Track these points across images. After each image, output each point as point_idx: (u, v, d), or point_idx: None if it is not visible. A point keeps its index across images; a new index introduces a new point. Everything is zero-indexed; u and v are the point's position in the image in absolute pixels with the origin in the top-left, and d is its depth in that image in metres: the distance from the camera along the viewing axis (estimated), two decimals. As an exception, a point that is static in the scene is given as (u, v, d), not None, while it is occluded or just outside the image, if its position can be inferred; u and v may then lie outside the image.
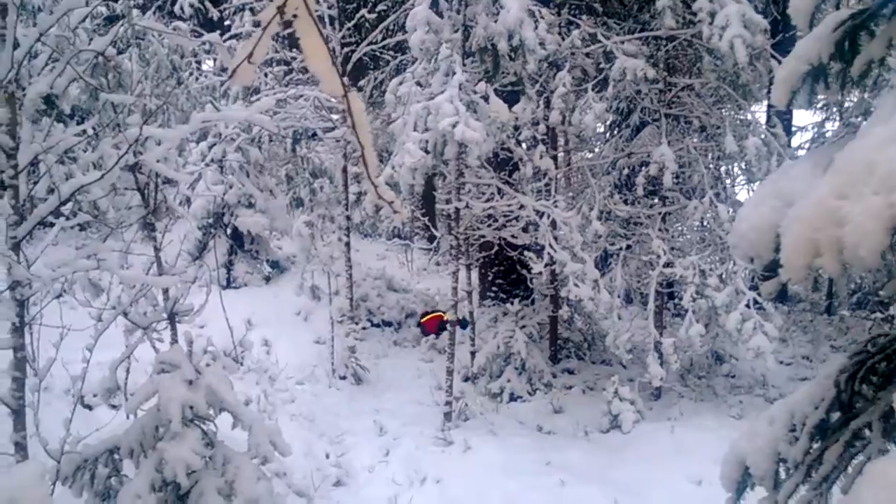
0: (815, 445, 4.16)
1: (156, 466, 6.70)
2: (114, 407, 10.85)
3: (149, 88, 7.13)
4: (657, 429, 11.79)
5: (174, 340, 7.62)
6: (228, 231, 17.05)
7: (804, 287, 18.16)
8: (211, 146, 16.80)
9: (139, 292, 7.38)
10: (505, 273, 15.99)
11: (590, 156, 15.35)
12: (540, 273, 11.95)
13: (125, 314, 7.33)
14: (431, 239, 23.53)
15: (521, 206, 11.51)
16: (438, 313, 16.21)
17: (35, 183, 6.73)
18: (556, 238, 11.60)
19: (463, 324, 14.49)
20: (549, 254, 11.28)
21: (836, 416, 4.19)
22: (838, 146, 3.76)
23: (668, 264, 12.12)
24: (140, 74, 7.48)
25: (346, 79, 14.82)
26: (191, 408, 6.78)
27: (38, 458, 7.28)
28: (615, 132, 14.66)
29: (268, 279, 17.42)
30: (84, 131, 7.15)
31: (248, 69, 2.16)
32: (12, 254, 5.80)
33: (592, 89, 12.14)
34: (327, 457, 11.03)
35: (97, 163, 6.97)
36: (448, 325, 12.22)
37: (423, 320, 16.43)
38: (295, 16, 2.12)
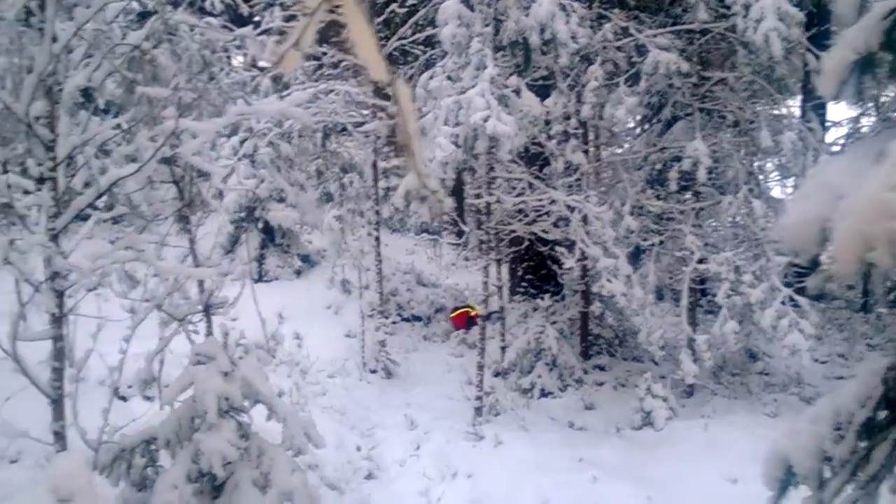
0: (862, 444, 4.09)
1: (192, 457, 6.71)
2: (148, 398, 10.88)
3: (183, 82, 7.11)
4: (690, 426, 11.70)
5: (209, 332, 7.63)
6: (260, 225, 17.06)
7: (839, 284, 18.01)
8: (242, 141, 16.85)
9: (175, 284, 7.40)
10: (534, 268, 15.93)
11: (620, 151, 15.22)
12: (571, 268, 11.87)
13: (159, 307, 7.35)
14: (460, 234, 23.45)
15: (553, 201, 11.45)
16: (467, 308, 16.16)
17: (72, 175, 6.74)
18: (587, 233, 11.53)
19: (489, 317, 14.21)
20: (580, 249, 11.23)
21: (883, 414, 4.12)
22: (884, 139, 3.69)
23: (701, 260, 12.01)
24: (175, 68, 7.47)
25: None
26: (226, 399, 6.79)
27: (76, 448, 7.34)
28: (647, 127, 14.56)
29: (298, 273, 17.43)
30: (119, 125, 7.17)
31: (294, 55, 2.12)
32: (53, 245, 5.81)
33: (624, 83, 12.06)
34: (358, 450, 11.03)
35: (133, 156, 6.99)
36: (478, 321, 12.19)
37: (452, 315, 16.40)
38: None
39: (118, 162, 7.06)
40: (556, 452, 11.10)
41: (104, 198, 7.11)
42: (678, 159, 12.74)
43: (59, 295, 6.30)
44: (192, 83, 9.12)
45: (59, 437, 6.58)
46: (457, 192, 23.17)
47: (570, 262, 11.35)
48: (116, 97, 9.02)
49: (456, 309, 16.42)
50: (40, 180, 6.16)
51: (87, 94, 6.95)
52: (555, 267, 14.79)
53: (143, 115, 6.73)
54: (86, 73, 6.75)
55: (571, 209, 11.43)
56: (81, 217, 7.66)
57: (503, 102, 10.41)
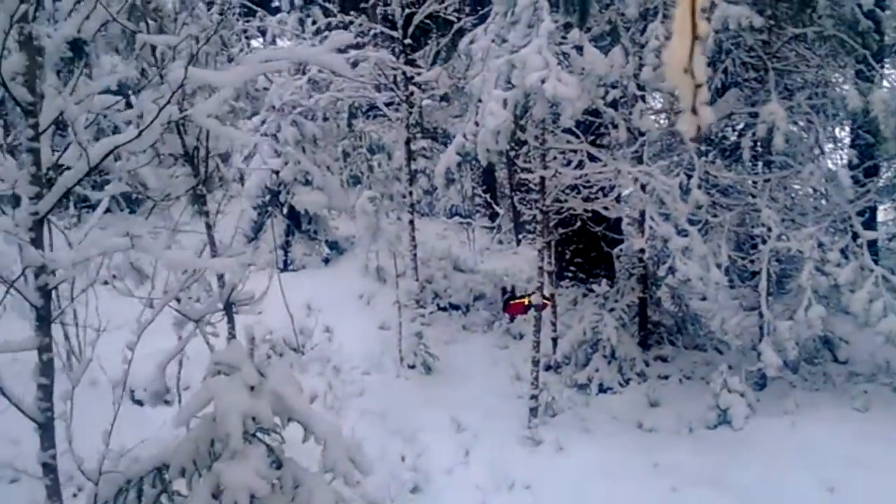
0: None
1: (212, 491, 5.40)
2: (167, 402, 9.65)
3: (195, 31, 5.73)
4: (773, 425, 10.33)
5: (232, 335, 6.32)
6: (285, 210, 15.75)
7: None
8: (264, 120, 15.55)
9: (190, 278, 6.07)
10: (584, 250, 14.49)
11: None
12: (624, 250, 10.40)
13: (171, 305, 6.05)
14: (493, 217, 22.09)
15: (618, 174, 10.03)
16: (524, 298, 14.67)
17: (64, 149, 5.38)
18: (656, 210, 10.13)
19: (544, 307, 13.01)
20: (650, 227, 9.83)
21: None
22: None
23: (781, 237, 10.59)
24: (185, 17, 6.09)
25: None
26: (253, 419, 5.46)
27: (72, 479, 6.06)
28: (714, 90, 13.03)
29: (327, 261, 16.12)
30: (120, 87, 5.86)
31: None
32: (21, 231, 4.47)
33: (690, 42, 10.62)
34: (403, 459, 9.75)
35: (137, 122, 5.61)
36: (534, 309, 10.82)
37: (509, 305, 14.90)
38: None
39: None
40: (627, 458, 9.77)
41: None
42: (749, 126, 11.35)
43: (46, 295, 4.99)
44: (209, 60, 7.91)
45: (49, 468, 5.29)
46: (488, 171, 21.83)
47: (639, 242, 9.93)
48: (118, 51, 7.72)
49: (511, 298, 14.90)
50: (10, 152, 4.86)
51: (76, 47, 5.61)
52: (608, 249, 13.37)
53: (148, 68, 5.43)
54: (75, 20, 5.39)
55: (640, 183, 10.02)
56: (86, 203, 6.38)
57: (563, 61, 9.03)
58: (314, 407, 10.31)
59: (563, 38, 9.31)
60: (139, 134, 4.87)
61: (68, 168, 5.14)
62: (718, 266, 10.41)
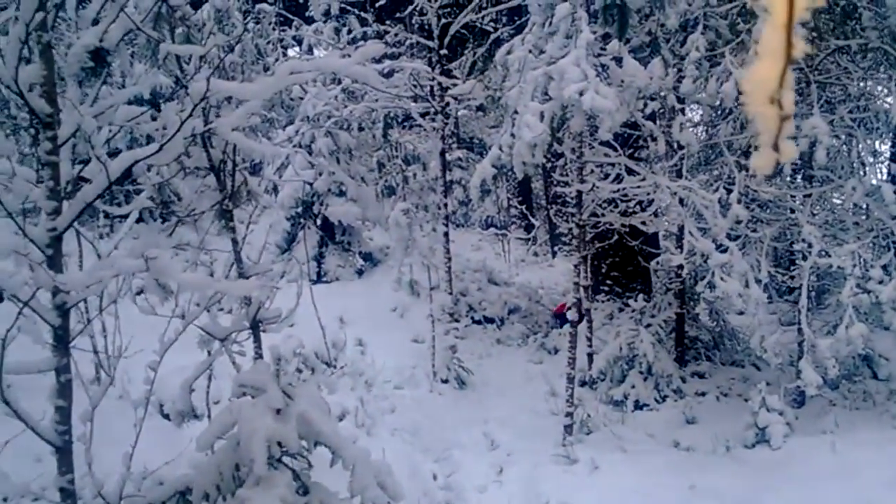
0: None
1: (236, 519, 5.13)
2: (197, 418, 9.40)
3: (222, 41, 5.45)
4: (813, 445, 9.89)
5: (258, 354, 6.04)
6: (318, 221, 15.51)
7: None
8: (298, 130, 15.34)
9: (214, 296, 5.80)
10: (620, 265, 14.12)
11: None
12: (662, 264, 10.02)
13: (197, 322, 5.78)
14: (528, 228, 21.77)
15: (657, 188, 9.66)
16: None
17: (85, 162, 5.13)
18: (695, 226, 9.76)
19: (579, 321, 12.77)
20: (689, 242, 9.47)
21: None
22: None
23: (822, 253, 10.18)
24: (212, 26, 5.81)
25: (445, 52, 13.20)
26: (279, 444, 5.17)
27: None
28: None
29: (360, 273, 15.86)
30: (142, 99, 5.62)
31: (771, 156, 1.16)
32: (36, 250, 4.22)
33: (730, 53, 10.24)
34: (434, 478, 9.42)
35: (162, 134, 5.35)
36: (569, 325, 10.46)
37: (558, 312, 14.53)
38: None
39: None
40: (663, 478, 9.38)
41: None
42: (790, 139, 10.94)
43: (64, 314, 4.73)
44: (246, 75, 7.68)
45: (67, 494, 5.02)
46: (524, 183, 21.52)
47: (678, 258, 9.56)
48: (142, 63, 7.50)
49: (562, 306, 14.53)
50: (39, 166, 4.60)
51: (98, 57, 5.36)
52: (645, 263, 13.01)
53: (169, 81, 5.17)
54: (97, 29, 5.14)
55: (678, 197, 9.65)
56: (115, 216, 6.16)
57: (602, 72, 8.71)
58: (345, 424, 10.05)
59: (602, 49, 8.99)
60: (160, 148, 4.60)
61: (89, 182, 4.90)
62: (758, 282, 10.02)
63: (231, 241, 5.94)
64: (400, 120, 18.26)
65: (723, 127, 11.79)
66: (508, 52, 10.03)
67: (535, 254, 21.18)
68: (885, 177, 12.65)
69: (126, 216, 6.23)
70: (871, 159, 12.74)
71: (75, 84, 5.16)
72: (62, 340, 4.79)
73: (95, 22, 5.25)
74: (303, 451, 5.41)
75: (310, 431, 5.34)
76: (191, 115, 4.61)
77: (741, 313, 12.28)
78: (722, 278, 9.38)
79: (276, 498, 5.00)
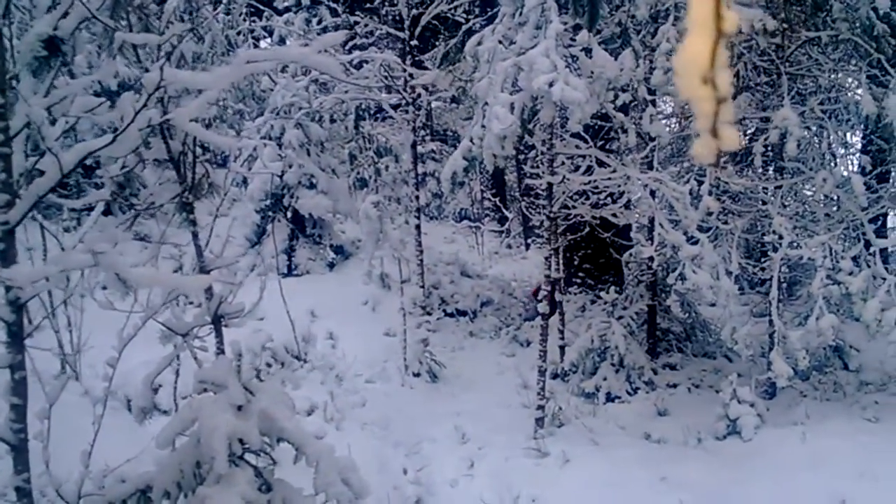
0: None
1: (196, 517, 5.03)
2: (166, 413, 9.31)
3: (180, 29, 5.30)
4: (784, 435, 9.87)
5: (220, 350, 5.93)
6: (289, 214, 15.35)
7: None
8: (267, 122, 15.19)
9: (173, 291, 5.69)
10: (592, 256, 14.06)
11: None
12: (651, 258, 9.95)
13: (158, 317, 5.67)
14: (502, 220, 21.72)
15: (628, 180, 9.60)
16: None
17: (42, 154, 5.00)
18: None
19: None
20: (659, 234, 9.42)
21: None
22: None
23: (793, 244, 10.17)
24: (171, 14, 5.67)
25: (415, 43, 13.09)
26: (240, 441, 5.07)
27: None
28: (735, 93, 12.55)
29: (332, 266, 15.69)
30: (109, 90, 5.50)
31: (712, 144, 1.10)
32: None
33: (701, 45, 10.19)
34: (405, 472, 9.35)
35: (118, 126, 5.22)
36: (540, 318, 10.40)
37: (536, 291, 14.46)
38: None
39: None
40: (634, 471, 9.34)
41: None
42: (760, 131, 10.94)
43: (18, 310, 4.61)
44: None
45: (23, 493, 4.90)
46: (497, 175, 21.46)
47: (648, 250, 9.49)
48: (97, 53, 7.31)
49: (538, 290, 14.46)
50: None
51: (52, 45, 5.23)
52: (617, 255, 12.95)
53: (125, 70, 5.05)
54: (51, 18, 5.01)
55: (649, 189, 9.59)
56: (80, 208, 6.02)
57: (572, 63, 8.63)
58: (314, 419, 9.95)
59: (572, 40, 8.91)
60: (114, 139, 4.48)
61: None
62: (729, 274, 10.00)
63: (192, 234, 5.82)
64: (372, 112, 18.16)
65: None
66: (479, 43, 9.94)
67: (509, 246, 21.10)
68: (855, 168, 12.65)
69: (91, 209, 6.11)
70: (843, 151, 12.75)
71: (28, 74, 5.02)
72: (16, 337, 4.67)
73: (51, 9, 5.13)
74: (265, 447, 5.31)
75: (272, 427, 5.25)
76: (145, 105, 4.49)
77: (713, 305, 12.26)
78: (693, 270, 9.35)
79: (237, 496, 4.90)
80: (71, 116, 5.19)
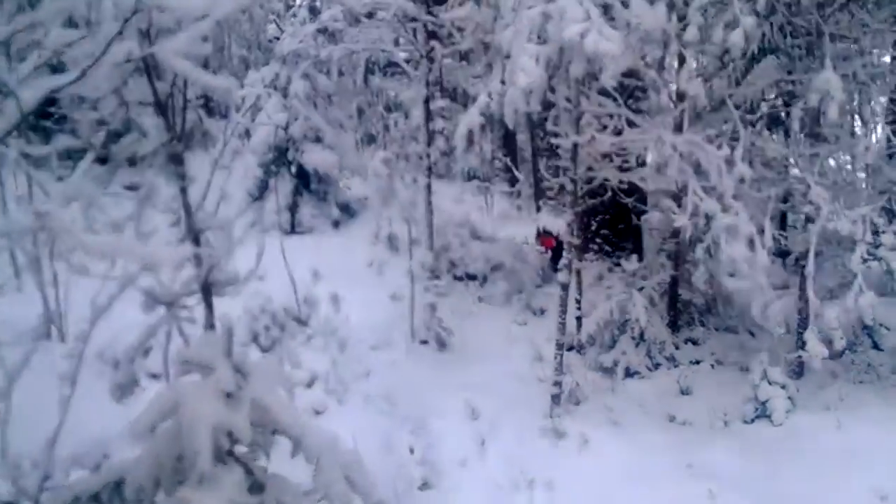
0: None
1: (176, 521, 4.26)
2: (155, 377, 8.58)
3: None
4: (817, 422, 9.14)
5: (210, 324, 5.13)
6: (293, 169, 14.50)
7: None
8: (273, 72, 14.31)
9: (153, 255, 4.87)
10: (611, 222, 13.19)
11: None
12: (676, 229, 9.03)
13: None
14: (512, 181, 20.82)
15: (660, 143, 8.71)
16: (554, 240, 13.76)
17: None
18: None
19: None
20: (692, 202, 8.57)
21: None
22: None
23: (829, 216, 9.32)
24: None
25: None
26: (229, 434, 4.29)
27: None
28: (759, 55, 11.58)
29: (337, 224, 14.88)
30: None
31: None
32: None
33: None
34: (411, 451, 8.61)
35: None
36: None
37: (543, 239, 14.16)
38: None
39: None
40: (658, 456, 8.63)
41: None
42: (789, 95, 10.11)
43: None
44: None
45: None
46: (508, 134, 20.55)
47: (680, 219, 8.63)
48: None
49: (546, 234, 13.98)
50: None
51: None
52: (637, 221, 12.13)
53: None
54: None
55: (679, 152, 8.71)
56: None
57: (607, 13, 7.74)
58: (314, 392, 9.21)
59: (608, -13, 8.02)
60: (82, 73, 3.66)
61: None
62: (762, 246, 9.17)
63: (180, 190, 4.99)
64: (382, 66, 17.26)
65: (725, 79, 10.87)
66: (502, -6, 9.05)
67: (519, 208, 20.25)
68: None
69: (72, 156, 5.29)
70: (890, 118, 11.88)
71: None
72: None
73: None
74: (258, 442, 4.54)
75: (266, 419, 4.48)
76: (120, 33, 3.66)
77: (733, 276, 11.44)
78: (727, 242, 8.50)
79: (222, 500, 4.14)
80: (45, 50, 4.35)
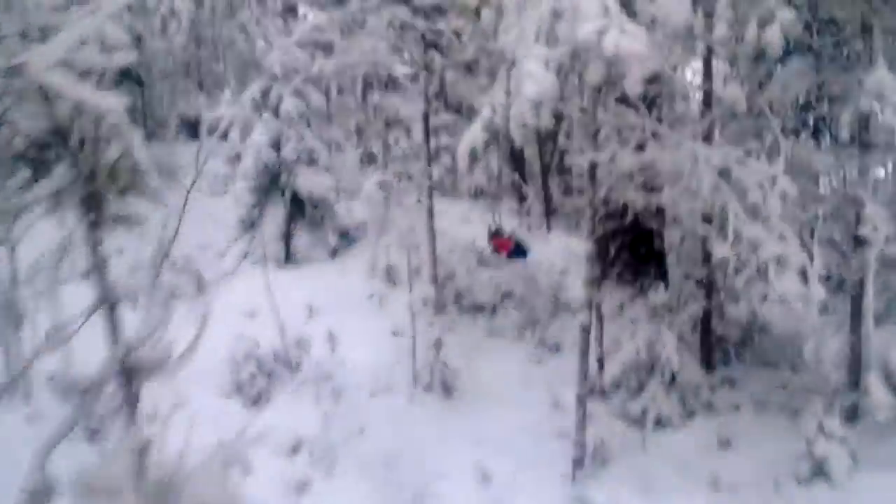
0: None
1: None
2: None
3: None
4: (885, 482, 7.71)
5: (131, 419, 3.87)
6: (287, 194, 13.27)
7: None
8: (264, 90, 13.06)
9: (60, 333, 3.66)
10: (632, 245, 11.80)
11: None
12: (726, 258, 7.63)
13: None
14: (522, 199, 19.53)
15: (694, 160, 7.38)
16: (510, 241, 13.31)
17: None
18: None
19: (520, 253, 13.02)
20: (734, 229, 7.25)
21: None
22: None
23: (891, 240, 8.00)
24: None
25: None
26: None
27: None
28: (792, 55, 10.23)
29: (335, 252, 13.66)
30: None
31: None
32: None
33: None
34: (411, 529, 7.34)
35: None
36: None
37: (496, 241, 13.29)
38: None
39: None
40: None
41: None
42: (834, 99, 8.86)
43: None
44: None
45: None
46: (516, 148, 19.29)
47: (722, 248, 7.27)
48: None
49: (497, 235, 13.28)
50: None
51: None
52: (660, 246, 10.81)
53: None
54: None
55: (714, 169, 7.40)
56: None
57: (628, 7, 6.49)
58: (299, 460, 7.97)
59: (628, -22, 6.77)
60: None
61: None
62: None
63: (90, 246, 3.75)
64: (381, 81, 16.11)
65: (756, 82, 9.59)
66: (505, -8, 7.83)
67: (529, 227, 18.94)
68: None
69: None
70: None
71: None
72: None
73: None
74: None
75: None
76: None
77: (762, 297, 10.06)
78: (777, 275, 7.16)
79: None
80: None
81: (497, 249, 13.28)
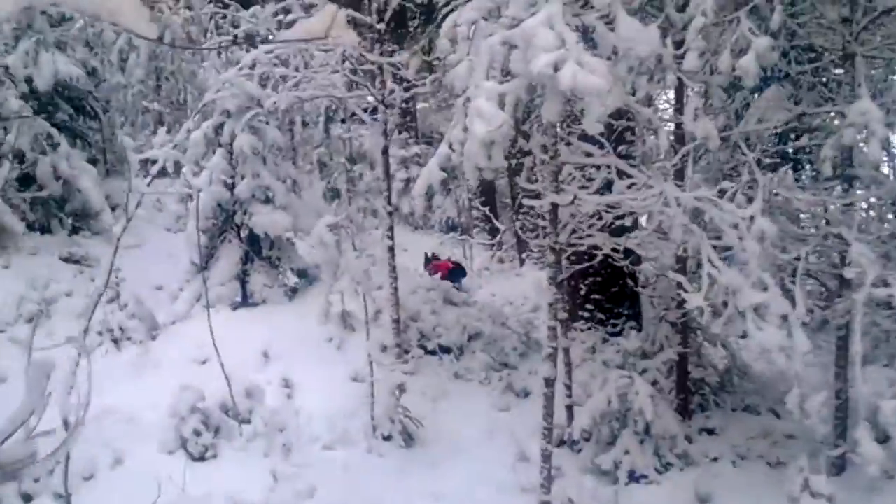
0: None
1: None
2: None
3: None
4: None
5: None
6: (243, 234, 12.64)
7: None
8: (217, 126, 12.42)
9: None
10: (603, 285, 11.21)
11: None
12: (700, 309, 7.00)
13: None
14: (493, 232, 19.00)
15: (663, 198, 6.77)
16: (448, 263, 14.47)
17: None
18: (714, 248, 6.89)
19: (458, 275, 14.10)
20: (708, 274, 6.63)
21: None
22: None
23: (878, 282, 7.41)
24: None
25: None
26: None
27: None
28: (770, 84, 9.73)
29: (293, 292, 13.01)
30: None
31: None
32: None
33: (746, 17, 7.45)
34: None
35: None
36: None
37: (432, 265, 14.31)
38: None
39: None
40: None
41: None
42: (811, 131, 8.32)
43: None
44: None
45: None
46: (487, 181, 18.75)
47: (695, 298, 6.67)
48: None
49: (435, 259, 14.33)
50: None
51: None
52: (633, 285, 10.21)
53: None
54: None
55: (684, 209, 6.81)
56: None
57: (586, 38, 5.90)
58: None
59: (586, 3, 6.19)
60: None
61: None
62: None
63: None
64: (347, 112, 15.54)
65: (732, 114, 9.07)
66: (456, 25, 7.21)
67: (501, 260, 18.39)
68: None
69: None
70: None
71: None
72: None
73: None
74: None
75: None
76: None
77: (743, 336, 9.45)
78: (757, 325, 6.54)
79: None
80: None
81: (434, 272, 13.80)
